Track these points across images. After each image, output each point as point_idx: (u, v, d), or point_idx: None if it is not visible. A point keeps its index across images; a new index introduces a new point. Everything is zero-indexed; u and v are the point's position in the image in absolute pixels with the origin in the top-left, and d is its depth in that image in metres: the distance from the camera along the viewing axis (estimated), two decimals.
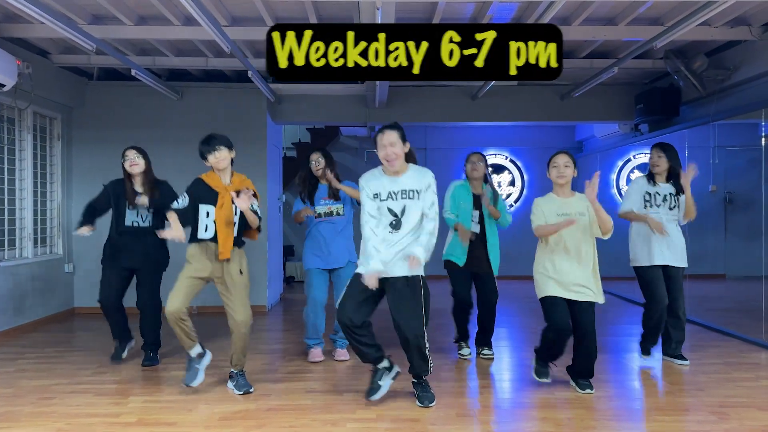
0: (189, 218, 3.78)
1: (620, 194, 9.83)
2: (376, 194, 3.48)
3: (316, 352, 4.60)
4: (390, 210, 3.45)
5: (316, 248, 4.61)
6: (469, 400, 3.72)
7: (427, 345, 3.49)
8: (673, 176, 4.50)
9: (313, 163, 4.63)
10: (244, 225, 3.88)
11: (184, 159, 6.26)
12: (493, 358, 4.67)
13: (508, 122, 7.91)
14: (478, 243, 4.58)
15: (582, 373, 3.85)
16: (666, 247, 4.38)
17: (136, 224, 4.44)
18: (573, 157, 3.82)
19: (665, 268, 4.41)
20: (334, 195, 4.60)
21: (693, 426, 3.22)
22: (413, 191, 3.46)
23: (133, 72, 5.68)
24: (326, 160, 4.62)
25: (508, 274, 9.58)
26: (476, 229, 4.60)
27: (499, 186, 10.02)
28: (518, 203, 10.03)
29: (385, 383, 3.57)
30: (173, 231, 3.70)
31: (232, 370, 3.89)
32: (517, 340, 5.43)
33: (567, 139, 10.03)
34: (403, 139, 3.48)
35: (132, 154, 4.45)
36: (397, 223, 3.44)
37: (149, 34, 5.28)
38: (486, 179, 4.74)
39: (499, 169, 10.07)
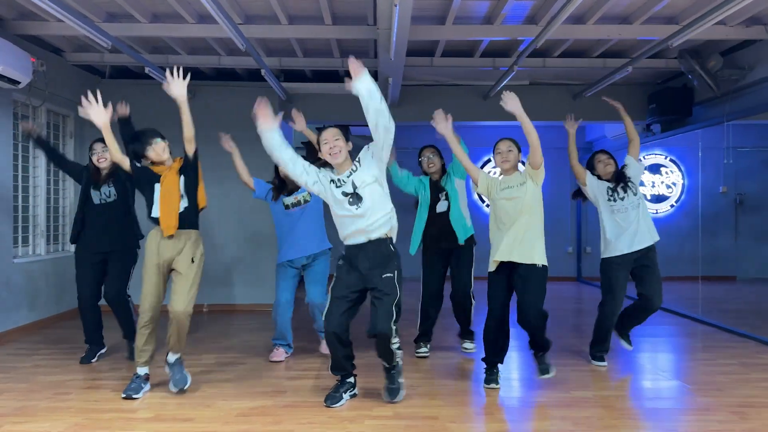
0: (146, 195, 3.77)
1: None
2: (333, 181, 3.48)
3: (278, 352, 4.58)
4: (344, 193, 3.45)
5: (284, 239, 4.57)
6: (485, 399, 3.70)
7: (394, 341, 3.44)
8: (619, 177, 4.54)
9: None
10: (194, 201, 3.79)
11: None
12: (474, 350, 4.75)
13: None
14: (444, 219, 4.60)
15: (537, 346, 3.88)
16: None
17: (103, 201, 4.47)
18: (515, 141, 3.97)
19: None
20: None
21: (715, 425, 3.20)
22: (354, 165, 3.49)
23: (147, 70, 5.69)
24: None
25: None
26: (444, 207, 4.62)
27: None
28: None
29: (346, 396, 3.59)
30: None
31: (168, 358, 3.78)
32: (527, 339, 5.40)
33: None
34: (346, 138, 3.52)
35: (99, 148, 4.46)
36: (353, 197, 3.42)
37: (163, 31, 5.29)
38: (444, 170, 4.74)
39: None
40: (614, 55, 6.25)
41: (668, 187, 9.67)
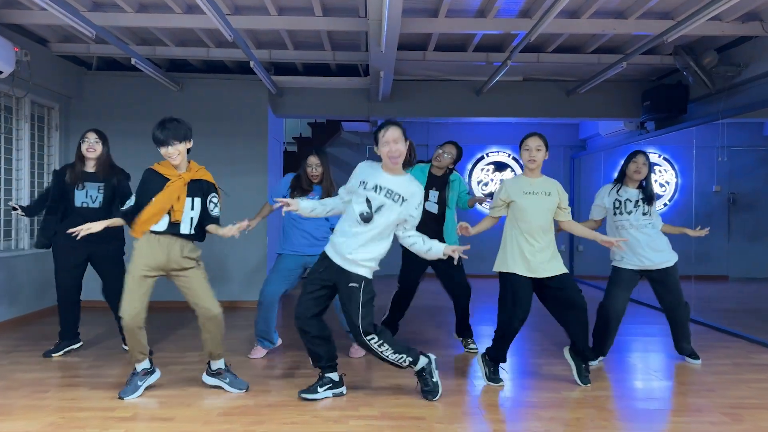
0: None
1: None
2: (363, 181, 3.38)
3: (258, 349, 4.49)
4: (367, 201, 3.35)
5: (300, 233, 4.36)
6: (474, 399, 3.62)
7: (377, 344, 3.40)
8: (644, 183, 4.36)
9: (310, 168, 4.38)
10: (204, 222, 3.59)
11: None
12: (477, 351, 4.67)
13: (512, 118, 7.82)
14: (433, 224, 4.54)
15: (585, 350, 3.82)
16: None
17: (85, 205, 4.26)
18: (545, 140, 3.83)
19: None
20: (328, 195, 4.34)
21: (706, 427, 3.13)
22: (398, 194, 3.36)
23: (133, 61, 5.58)
24: (324, 167, 4.41)
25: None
26: (433, 209, 4.60)
27: (501, 183, 9.94)
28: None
29: (323, 394, 3.52)
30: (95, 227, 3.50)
31: (217, 366, 3.65)
32: (517, 339, 5.32)
33: (570, 137, 9.95)
34: (405, 136, 3.41)
35: (92, 138, 4.30)
36: (368, 215, 3.35)
37: (150, 22, 5.17)
38: (449, 171, 4.76)
39: (501, 166, 9.98)
40: (609, 50, 6.18)
41: (661, 185, 9.62)
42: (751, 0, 4.64)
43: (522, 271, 3.68)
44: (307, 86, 7.17)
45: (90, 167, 4.33)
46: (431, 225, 4.49)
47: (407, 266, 4.66)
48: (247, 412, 3.30)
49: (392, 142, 3.32)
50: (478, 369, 4.07)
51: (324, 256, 3.49)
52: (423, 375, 3.54)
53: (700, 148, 8.64)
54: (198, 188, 3.56)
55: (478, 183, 9.98)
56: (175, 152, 3.45)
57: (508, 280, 3.72)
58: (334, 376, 3.56)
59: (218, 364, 3.67)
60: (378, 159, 3.49)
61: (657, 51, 6.15)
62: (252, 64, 5.67)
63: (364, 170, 3.44)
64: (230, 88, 6.83)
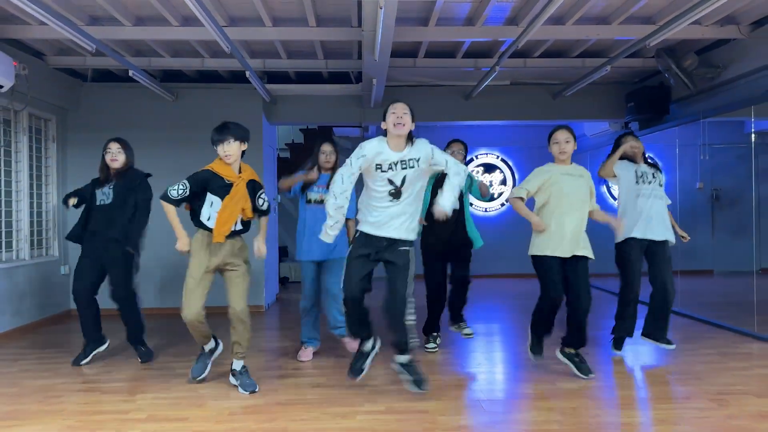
0: (193, 203, 3.79)
1: (609, 191, 9.96)
2: (378, 165, 3.51)
3: (307, 351, 4.61)
4: (390, 181, 3.51)
5: (303, 234, 4.56)
6: (474, 392, 3.77)
7: (409, 318, 3.54)
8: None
9: (324, 155, 4.69)
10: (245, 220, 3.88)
11: (179, 159, 6.29)
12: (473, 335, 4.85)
13: (500, 121, 8.00)
14: (452, 222, 4.58)
15: (578, 341, 4.00)
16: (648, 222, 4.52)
17: (102, 202, 4.48)
18: (573, 132, 4.07)
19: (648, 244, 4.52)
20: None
21: (695, 413, 3.31)
22: (412, 160, 3.52)
23: (131, 73, 5.68)
24: (337, 154, 4.75)
25: (500, 273, 9.70)
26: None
27: (491, 185, 10.13)
28: (509, 202, 10.12)
29: (367, 364, 3.72)
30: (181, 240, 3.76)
31: (233, 366, 3.86)
32: (512, 335, 5.49)
33: None
34: (413, 117, 3.64)
35: (114, 149, 4.50)
36: (396, 192, 3.50)
37: (147, 35, 5.28)
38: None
39: (490, 168, 10.17)
40: (593, 54, 6.38)
41: None
42: (729, 5, 4.84)
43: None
44: (300, 94, 7.30)
45: (112, 173, 4.55)
46: (451, 226, 4.59)
47: (429, 267, 4.74)
48: (257, 410, 3.43)
49: (402, 113, 3.55)
50: (477, 363, 4.22)
51: (365, 235, 3.56)
52: (411, 365, 3.64)
53: (683, 147, 8.86)
54: (251, 189, 3.81)
55: None
56: (232, 150, 3.69)
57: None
58: (371, 343, 3.71)
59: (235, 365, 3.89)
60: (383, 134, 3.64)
61: (639, 54, 6.36)
62: (248, 74, 5.79)
63: (374, 151, 3.50)
64: (224, 97, 6.94)
